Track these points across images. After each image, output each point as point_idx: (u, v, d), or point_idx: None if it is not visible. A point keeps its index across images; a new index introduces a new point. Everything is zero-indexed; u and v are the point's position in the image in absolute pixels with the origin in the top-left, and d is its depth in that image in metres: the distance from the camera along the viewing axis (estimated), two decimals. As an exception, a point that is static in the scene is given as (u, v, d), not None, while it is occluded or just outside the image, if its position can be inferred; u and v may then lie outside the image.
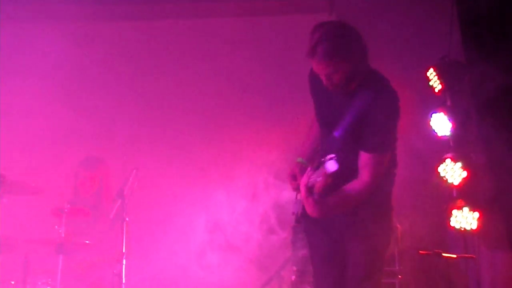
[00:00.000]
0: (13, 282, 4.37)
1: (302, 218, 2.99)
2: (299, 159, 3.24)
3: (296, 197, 3.16)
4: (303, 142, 3.37)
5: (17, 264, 4.39)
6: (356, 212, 2.92)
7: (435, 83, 4.24)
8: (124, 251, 4.39)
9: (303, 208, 2.94)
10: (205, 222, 5.17)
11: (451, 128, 4.08)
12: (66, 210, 4.58)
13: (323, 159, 2.73)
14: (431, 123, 4.19)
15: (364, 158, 2.84)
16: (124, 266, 4.37)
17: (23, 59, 5.24)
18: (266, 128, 5.09)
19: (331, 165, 2.68)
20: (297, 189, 3.11)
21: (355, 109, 2.98)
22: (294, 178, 3.17)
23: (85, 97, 5.44)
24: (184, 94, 5.42)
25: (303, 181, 2.87)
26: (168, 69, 5.50)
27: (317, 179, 2.76)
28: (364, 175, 2.81)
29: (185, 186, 5.22)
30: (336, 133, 3.00)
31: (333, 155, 2.70)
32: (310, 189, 2.81)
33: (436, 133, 4.21)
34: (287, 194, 4.19)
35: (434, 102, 4.23)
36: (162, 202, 5.21)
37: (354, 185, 2.83)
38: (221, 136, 5.24)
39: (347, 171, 2.83)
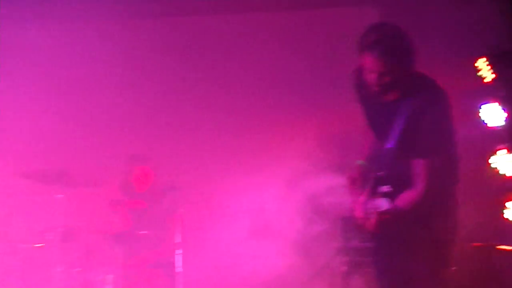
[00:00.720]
0: (76, 269, 4.58)
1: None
2: (360, 162, 3.24)
3: (355, 201, 3.19)
4: (362, 144, 3.36)
5: (79, 253, 4.70)
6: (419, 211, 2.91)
7: (486, 73, 4.16)
8: (179, 240, 4.52)
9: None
10: (252, 211, 5.30)
11: (505, 118, 4.00)
12: (123, 202, 4.89)
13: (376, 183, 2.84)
14: (481, 114, 4.14)
15: (417, 165, 2.83)
16: (179, 255, 4.52)
17: (67, 60, 5.45)
18: (303, 119, 5.20)
19: (383, 203, 2.75)
20: (356, 191, 3.15)
21: (403, 118, 2.98)
22: (353, 181, 3.19)
23: (138, 99, 5.65)
24: (228, 90, 5.56)
25: (361, 201, 2.96)
26: (210, 65, 5.68)
27: (372, 211, 2.81)
28: (418, 184, 2.80)
29: (232, 178, 5.32)
30: (388, 145, 3.01)
31: (387, 188, 2.80)
32: (367, 213, 2.88)
33: (486, 124, 4.16)
34: (324, 183, 4.57)
35: (480, 93, 4.20)
36: (212, 193, 5.36)
37: (409, 196, 2.82)
38: (263, 129, 5.39)
39: (401, 182, 2.85)
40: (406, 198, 2.81)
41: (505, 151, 4.03)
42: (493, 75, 4.25)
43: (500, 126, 4.18)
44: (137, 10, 5.64)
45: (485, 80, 4.33)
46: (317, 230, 4.86)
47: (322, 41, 5.49)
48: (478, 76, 4.35)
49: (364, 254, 4.15)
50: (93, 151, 5.63)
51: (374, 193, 2.96)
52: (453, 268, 3.86)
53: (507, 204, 3.98)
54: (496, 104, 4.12)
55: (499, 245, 4.05)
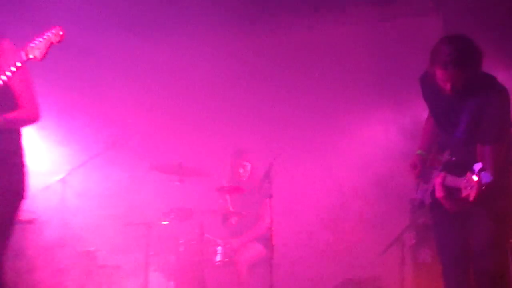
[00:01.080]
0: (193, 242, 5.17)
1: (431, 208, 3.34)
2: (419, 152, 3.50)
3: (419, 185, 3.50)
4: (421, 137, 3.62)
5: (195, 229, 5.22)
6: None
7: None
8: (272, 219, 4.94)
9: (432, 198, 3.24)
10: (331, 192, 5.72)
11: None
12: (226, 188, 5.35)
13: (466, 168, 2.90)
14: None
15: (485, 151, 3.05)
16: (272, 231, 4.91)
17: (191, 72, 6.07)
18: (374, 114, 5.54)
19: (486, 177, 2.84)
20: (419, 177, 3.45)
21: (470, 110, 3.21)
22: (414, 167, 3.45)
23: (240, 107, 6.21)
24: (313, 93, 5.94)
25: (438, 180, 3.11)
26: (301, 73, 6.01)
27: (461, 185, 2.92)
28: (488, 166, 2.94)
29: (313, 165, 5.80)
30: (457, 134, 3.25)
31: (480, 165, 2.87)
32: (449, 190, 3.03)
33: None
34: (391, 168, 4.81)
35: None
36: (297, 180, 5.79)
37: (486, 176, 2.92)
38: (341, 124, 5.77)
39: (469, 164, 2.98)
40: (485, 177, 2.91)
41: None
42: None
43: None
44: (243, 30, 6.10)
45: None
46: (387, 208, 5.09)
47: (394, 47, 5.61)
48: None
49: (430, 229, 4.08)
50: (204, 148, 6.15)
51: (448, 174, 3.08)
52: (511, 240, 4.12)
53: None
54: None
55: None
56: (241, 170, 5.71)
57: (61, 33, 3.21)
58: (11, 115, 3.31)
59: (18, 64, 3.18)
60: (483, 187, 2.80)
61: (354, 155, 5.62)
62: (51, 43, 3.20)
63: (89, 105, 6.02)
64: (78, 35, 5.19)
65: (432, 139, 3.56)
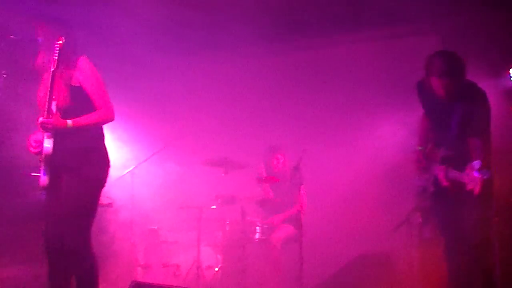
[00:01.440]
0: (236, 223, 5.59)
1: (432, 196, 3.68)
2: (420, 147, 3.82)
3: (420, 175, 3.77)
4: (418, 134, 3.90)
5: (237, 213, 5.60)
6: None
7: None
8: (301, 205, 5.35)
9: (435, 187, 3.59)
10: (348, 180, 6.01)
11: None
12: (263, 178, 5.77)
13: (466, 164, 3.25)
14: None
15: (475, 143, 3.38)
16: (302, 215, 5.31)
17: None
18: (385, 115, 5.76)
19: (487, 173, 3.13)
20: (422, 169, 3.73)
21: (460, 110, 3.54)
22: (419, 161, 3.77)
23: (274, 111, 6.60)
24: (336, 97, 6.31)
25: (441, 174, 3.44)
26: (323, 81, 6.42)
27: (465, 180, 3.20)
28: (477, 156, 3.31)
29: (335, 159, 6.09)
30: (451, 131, 3.57)
31: (479, 163, 3.15)
32: (453, 182, 3.37)
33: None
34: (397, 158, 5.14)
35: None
36: (321, 171, 6.12)
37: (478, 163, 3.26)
38: (358, 124, 6.10)
39: (462, 156, 3.39)
40: (485, 173, 3.20)
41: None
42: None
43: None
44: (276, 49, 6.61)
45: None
46: (396, 193, 5.36)
47: (399, 61, 5.89)
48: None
49: (433, 211, 4.19)
50: (245, 145, 6.45)
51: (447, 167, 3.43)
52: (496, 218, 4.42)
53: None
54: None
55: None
56: (275, 163, 5.98)
57: (61, 44, 3.31)
58: (85, 117, 3.47)
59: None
60: (483, 181, 3.14)
61: (368, 149, 5.91)
62: (59, 53, 3.32)
63: (151, 111, 6.43)
64: (144, 54, 5.77)
65: (427, 135, 3.87)
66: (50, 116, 3.37)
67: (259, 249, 5.64)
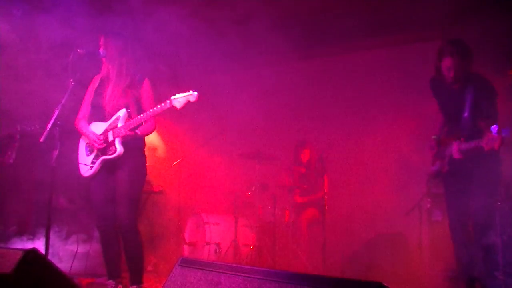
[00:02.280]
0: (269, 207, 5.77)
1: (447, 174, 3.70)
2: (434, 137, 3.95)
3: (435, 160, 3.81)
4: (434, 126, 3.99)
5: (268, 199, 5.81)
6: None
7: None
8: (326, 191, 5.62)
9: (449, 165, 3.64)
10: (366, 170, 6.11)
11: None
12: (292, 168, 6.01)
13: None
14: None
15: (487, 124, 3.33)
16: (326, 200, 5.52)
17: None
18: (399, 122, 5.82)
19: (507, 131, 3.07)
20: (435, 155, 3.79)
21: (471, 96, 3.61)
22: (432, 148, 3.90)
23: (303, 111, 6.71)
24: (354, 99, 6.45)
25: (455, 147, 3.48)
26: (343, 86, 6.50)
27: (482, 143, 3.17)
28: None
29: (356, 150, 6.24)
30: (464, 114, 3.62)
31: (497, 126, 3.11)
32: (466, 154, 3.42)
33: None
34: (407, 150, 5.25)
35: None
36: (345, 163, 6.30)
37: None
38: (381, 124, 6.13)
39: (474, 137, 3.41)
40: (505, 131, 3.19)
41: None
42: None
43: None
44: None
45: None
46: (408, 180, 5.46)
47: (410, 67, 5.90)
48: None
49: (441, 196, 4.24)
50: (276, 141, 6.69)
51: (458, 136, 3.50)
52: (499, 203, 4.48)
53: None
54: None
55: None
56: (302, 155, 6.17)
57: (196, 95, 3.55)
58: (144, 129, 3.81)
59: (162, 106, 3.58)
60: (503, 139, 3.14)
61: (383, 141, 6.02)
62: (188, 101, 3.56)
63: (197, 111, 6.37)
64: (192, 60, 6.03)
65: (441, 128, 4.01)
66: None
67: (288, 230, 5.82)
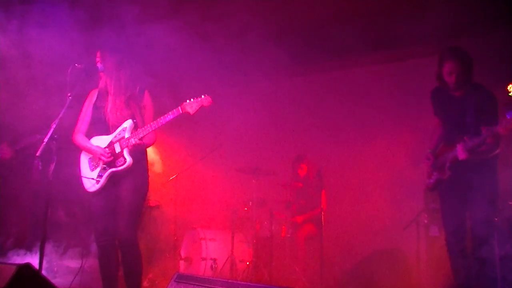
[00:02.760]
0: (266, 222, 5.78)
1: (442, 186, 3.70)
2: (430, 150, 3.94)
3: (431, 173, 3.77)
4: (430, 140, 3.96)
5: (265, 214, 5.82)
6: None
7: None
8: (323, 207, 5.60)
9: (451, 170, 3.59)
10: (363, 185, 6.11)
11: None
12: (289, 183, 5.98)
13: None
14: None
15: (493, 129, 3.34)
16: (323, 216, 5.51)
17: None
18: (396, 137, 5.87)
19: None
20: (433, 166, 3.75)
21: (474, 103, 3.58)
22: (428, 159, 3.88)
23: (300, 127, 6.74)
24: (352, 115, 6.47)
25: (460, 147, 3.40)
26: (342, 101, 6.54)
27: (499, 129, 3.18)
28: (484, 146, 3.41)
29: (354, 165, 6.25)
30: (467, 119, 3.60)
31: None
32: (473, 151, 3.40)
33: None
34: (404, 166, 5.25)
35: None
36: (342, 178, 6.29)
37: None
38: (379, 139, 6.14)
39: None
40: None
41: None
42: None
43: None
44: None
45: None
46: (405, 196, 5.49)
47: (408, 80, 5.96)
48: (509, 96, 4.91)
49: (438, 212, 4.20)
50: (274, 156, 6.67)
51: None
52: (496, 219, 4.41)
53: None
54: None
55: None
56: (300, 170, 6.16)
57: (210, 99, 3.54)
58: (149, 140, 3.78)
59: (174, 112, 3.53)
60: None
61: (380, 158, 6.03)
62: (202, 105, 3.53)
63: (192, 127, 6.60)
64: (198, 85, 5.56)
65: (438, 142, 3.97)
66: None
67: (285, 245, 5.80)
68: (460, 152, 3.50)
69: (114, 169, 3.78)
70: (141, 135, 3.73)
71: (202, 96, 3.59)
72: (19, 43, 4.92)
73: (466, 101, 3.64)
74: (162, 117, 3.67)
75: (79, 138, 3.95)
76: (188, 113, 3.57)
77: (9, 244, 4.93)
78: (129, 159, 3.72)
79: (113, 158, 3.80)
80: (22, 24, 4.90)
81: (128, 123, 3.80)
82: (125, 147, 3.76)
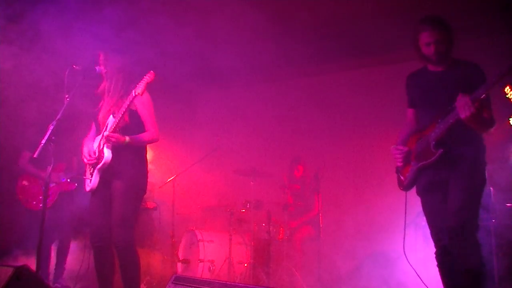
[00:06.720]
0: (264, 224, 5.77)
1: (409, 185, 3.46)
2: (394, 146, 3.60)
3: (401, 172, 3.53)
4: (398, 136, 3.69)
5: (263, 216, 5.81)
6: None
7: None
8: (320, 208, 5.60)
9: (410, 179, 3.36)
10: (362, 187, 6.09)
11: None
12: (286, 185, 5.98)
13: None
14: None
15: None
16: (320, 217, 5.53)
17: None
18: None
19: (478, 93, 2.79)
20: (403, 161, 3.43)
21: (458, 76, 3.15)
22: (400, 152, 3.49)
23: (297, 130, 6.73)
24: (350, 118, 6.51)
25: (432, 135, 3.07)
26: (339, 104, 6.54)
27: (457, 112, 2.85)
28: (486, 113, 3.06)
29: (349, 169, 6.29)
30: (449, 94, 3.08)
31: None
32: (441, 140, 3.06)
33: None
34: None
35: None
36: (339, 181, 6.32)
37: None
38: (367, 140, 6.19)
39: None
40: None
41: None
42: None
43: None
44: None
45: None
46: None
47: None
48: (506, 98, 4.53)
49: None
50: (271, 157, 6.73)
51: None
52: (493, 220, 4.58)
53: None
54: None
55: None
56: (296, 172, 6.18)
57: (153, 74, 3.48)
58: (138, 136, 3.67)
59: (129, 99, 3.51)
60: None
61: (376, 159, 6.00)
62: (147, 82, 3.47)
63: (191, 129, 6.77)
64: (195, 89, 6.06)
65: (405, 137, 3.63)
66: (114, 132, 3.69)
67: (283, 247, 5.76)
68: (463, 108, 2.90)
69: (98, 166, 3.73)
70: (112, 129, 3.65)
71: (146, 76, 3.55)
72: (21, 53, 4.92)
73: (448, 76, 3.25)
74: (121, 107, 3.65)
75: (84, 142, 3.96)
76: (139, 94, 3.52)
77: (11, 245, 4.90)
78: (106, 154, 3.66)
79: (97, 157, 3.76)
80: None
81: (109, 120, 3.74)
82: (104, 142, 3.72)
